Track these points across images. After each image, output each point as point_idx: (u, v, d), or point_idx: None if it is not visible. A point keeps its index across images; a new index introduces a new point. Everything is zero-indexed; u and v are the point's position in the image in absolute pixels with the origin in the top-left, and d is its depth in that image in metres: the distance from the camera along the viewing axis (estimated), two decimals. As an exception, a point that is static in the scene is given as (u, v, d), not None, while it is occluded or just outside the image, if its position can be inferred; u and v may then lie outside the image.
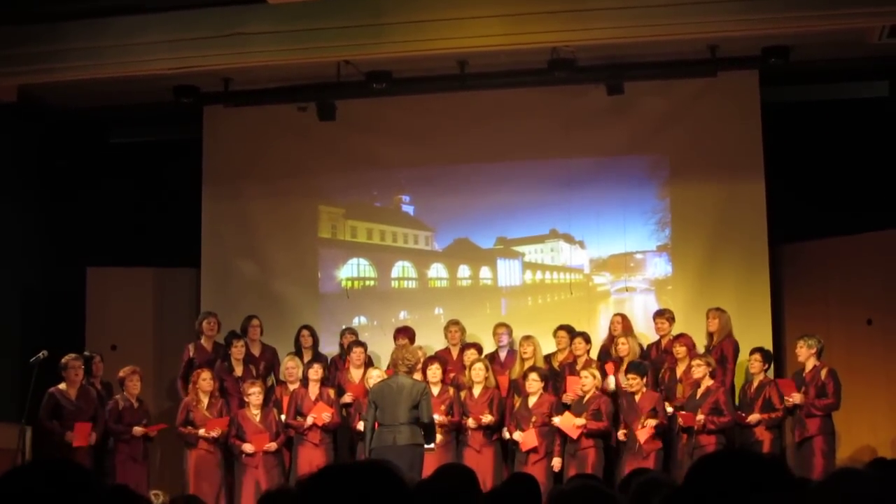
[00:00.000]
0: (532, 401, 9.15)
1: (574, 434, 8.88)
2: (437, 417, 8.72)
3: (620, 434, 8.88)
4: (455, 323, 10.17)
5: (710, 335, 9.60)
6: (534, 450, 9.01)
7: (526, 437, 9.03)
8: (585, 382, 9.03)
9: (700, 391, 8.87)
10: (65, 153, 11.52)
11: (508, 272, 10.96)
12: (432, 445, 8.44)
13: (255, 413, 9.34)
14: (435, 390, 9.21)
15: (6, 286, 10.64)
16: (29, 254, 10.98)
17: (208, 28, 9.26)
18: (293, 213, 11.25)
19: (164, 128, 11.67)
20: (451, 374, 9.73)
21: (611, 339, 9.92)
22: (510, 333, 10.06)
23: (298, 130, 11.13)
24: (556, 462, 9.00)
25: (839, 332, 9.90)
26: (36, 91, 10.23)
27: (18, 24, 9.43)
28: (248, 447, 9.20)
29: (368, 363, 9.92)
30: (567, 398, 9.29)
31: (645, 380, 8.98)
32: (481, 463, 8.98)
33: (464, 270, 11.05)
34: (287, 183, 11.15)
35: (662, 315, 9.76)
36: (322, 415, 9.25)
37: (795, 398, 8.86)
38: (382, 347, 10.24)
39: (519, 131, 10.75)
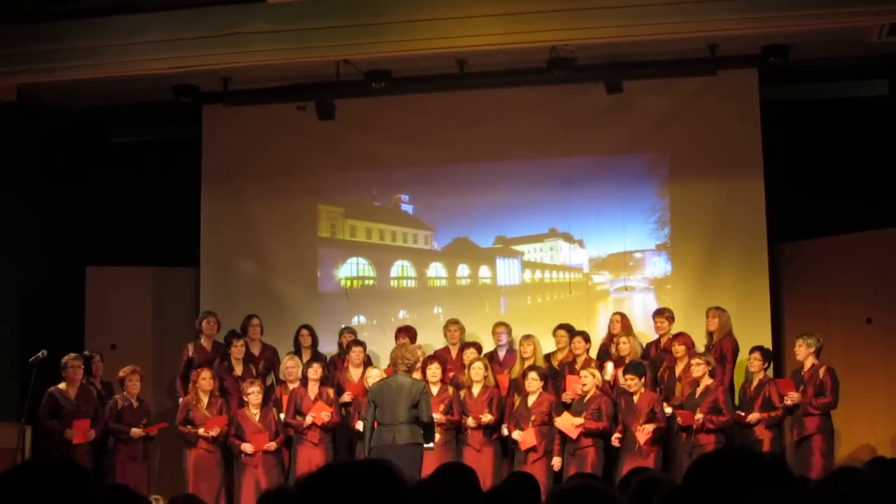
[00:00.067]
0: (531, 400, 9.15)
1: (573, 434, 8.88)
2: (436, 417, 8.73)
3: (614, 440, 8.86)
4: (454, 322, 10.17)
5: (710, 334, 9.60)
6: (532, 449, 9.02)
7: (525, 436, 9.03)
8: (585, 382, 9.04)
9: (699, 390, 8.87)
10: (64, 152, 11.53)
11: (508, 271, 10.96)
12: (431, 445, 8.44)
13: (254, 412, 9.34)
14: (434, 389, 9.21)
15: (6, 285, 10.65)
16: (29, 253, 10.98)
17: (208, 27, 9.26)
18: (292, 213, 11.25)
19: (163, 127, 11.67)
20: (451, 374, 9.74)
21: (610, 338, 9.92)
22: (509, 332, 10.07)
23: (298, 130, 11.13)
24: (556, 461, 9.00)
25: (839, 330, 9.90)
26: (36, 90, 10.23)
27: (18, 24, 9.43)
28: (247, 447, 9.20)
29: (367, 362, 9.92)
30: (566, 397, 9.30)
31: (643, 380, 8.98)
32: (481, 462, 8.98)
33: (463, 269, 11.05)
34: (286, 182, 11.15)
35: (662, 314, 9.76)
36: (321, 414, 9.25)
37: (793, 397, 8.86)
38: (382, 347, 10.24)
39: (518, 130, 10.74)
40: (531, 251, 10.93)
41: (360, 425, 9.02)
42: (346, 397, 9.64)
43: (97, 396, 9.43)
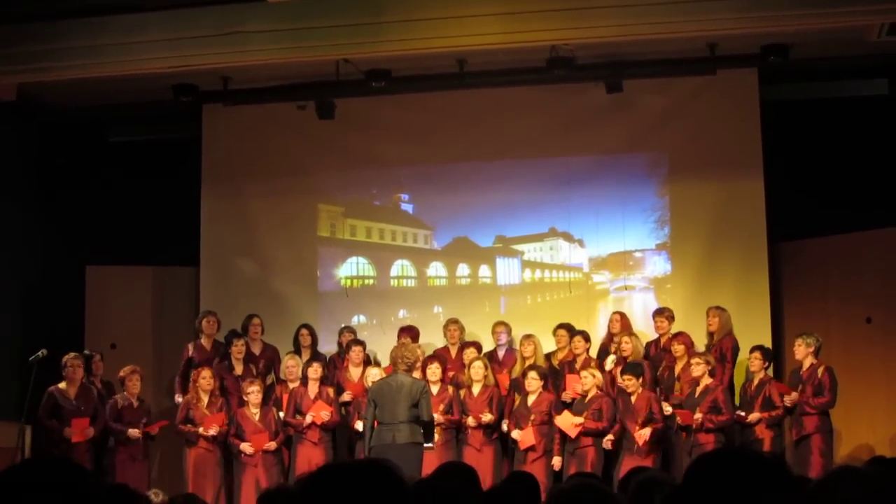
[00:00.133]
0: (531, 399, 9.15)
1: (573, 433, 8.88)
2: (436, 416, 8.73)
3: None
4: (454, 321, 10.17)
5: (710, 334, 9.60)
6: (532, 448, 9.02)
7: (524, 436, 9.03)
8: (586, 382, 9.04)
9: (699, 389, 8.87)
10: (64, 152, 11.52)
11: (507, 271, 10.96)
12: (432, 444, 8.44)
13: (254, 412, 9.33)
14: (434, 389, 9.21)
15: (6, 285, 10.64)
16: (28, 252, 10.97)
17: (207, 26, 9.26)
18: (292, 212, 11.25)
19: (163, 126, 11.66)
20: (451, 373, 9.74)
21: (610, 338, 9.93)
22: (509, 332, 10.07)
23: (297, 129, 11.13)
24: (556, 461, 9.00)
25: (838, 330, 9.90)
26: (35, 90, 10.22)
27: (17, 23, 9.43)
28: (246, 447, 9.19)
29: (367, 362, 9.92)
30: (566, 396, 9.30)
31: (641, 380, 8.98)
32: (481, 461, 8.98)
33: (463, 269, 11.05)
34: (286, 181, 11.15)
35: (662, 314, 9.76)
36: (321, 413, 9.25)
37: (792, 397, 8.86)
38: (381, 346, 10.24)
39: (518, 129, 10.74)
40: (531, 250, 10.92)
41: (359, 425, 9.02)
42: (346, 397, 9.64)
43: (97, 396, 9.43)
